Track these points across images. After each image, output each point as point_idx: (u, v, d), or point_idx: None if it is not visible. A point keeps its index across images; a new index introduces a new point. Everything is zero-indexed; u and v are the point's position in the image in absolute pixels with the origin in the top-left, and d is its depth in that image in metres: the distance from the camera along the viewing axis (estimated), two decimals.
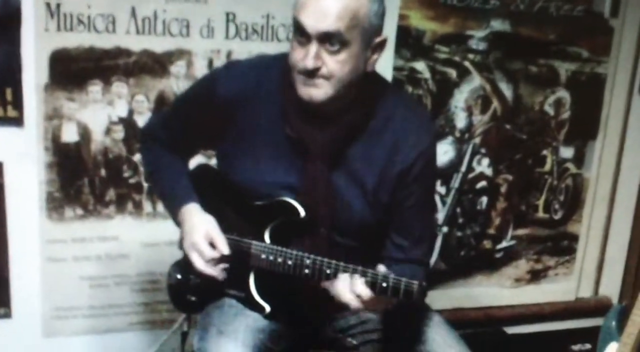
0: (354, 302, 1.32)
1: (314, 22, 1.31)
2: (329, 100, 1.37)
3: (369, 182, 1.46)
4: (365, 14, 1.33)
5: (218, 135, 1.51)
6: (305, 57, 1.34)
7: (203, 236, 1.46)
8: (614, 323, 1.99)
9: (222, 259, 1.46)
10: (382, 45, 1.41)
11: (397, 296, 1.28)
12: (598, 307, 2.59)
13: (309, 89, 1.36)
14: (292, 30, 1.38)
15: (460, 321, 2.24)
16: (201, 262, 1.47)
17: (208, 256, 1.46)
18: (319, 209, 1.45)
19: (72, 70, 1.91)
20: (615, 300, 2.72)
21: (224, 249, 1.45)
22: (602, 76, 2.50)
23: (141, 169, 2.01)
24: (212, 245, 1.46)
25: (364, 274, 1.32)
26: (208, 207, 1.53)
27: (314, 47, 1.33)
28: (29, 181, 1.96)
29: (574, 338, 2.56)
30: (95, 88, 1.95)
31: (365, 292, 1.31)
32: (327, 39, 1.33)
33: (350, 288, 1.32)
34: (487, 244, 2.54)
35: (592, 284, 2.72)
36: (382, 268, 1.32)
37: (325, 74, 1.35)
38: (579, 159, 2.57)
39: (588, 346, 2.49)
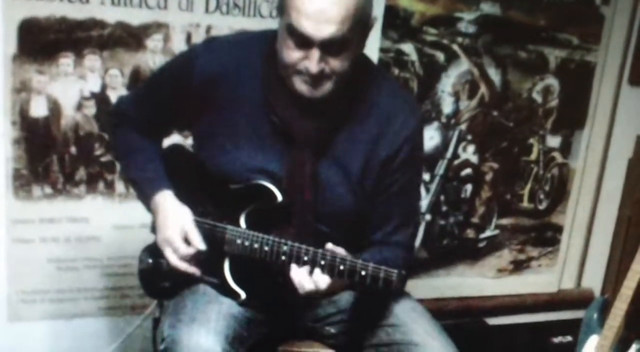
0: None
1: (316, 31, 1.28)
2: (330, 94, 1.36)
3: (353, 167, 1.44)
4: (361, 6, 1.31)
5: (194, 116, 1.47)
6: (307, 60, 1.31)
7: (177, 231, 1.44)
8: (595, 316, 2.01)
9: (197, 254, 1.44)
10: (372, 26, 1.40)
11: (376, 284, 1.27)
12: (580, 300, 2.60)
13: (311, 89, 1.35)
14: (284, 32, 1.33)
15: (441, 311, 2.24)
16: (175, 259, 1.45)
17: (182, 253, 1.44)
18: (302, 197, 1.42)
19: (42, 41, 1.87)
20: (597, 292, 2.73)
21: (199, 245, 1.43)
22: (592, 64, 2.49)
23: None
24: (187, 240, 1.43)
25: (342, 262, 1.30)
26: (181, 191, 1.49)
27: (317, 52, 1.30)
28: None
29: (555, 330, 2.58)
30: (66, 61, 1.90)
31: (322, 280, 1.31)
32: (330, 42, 1.30)
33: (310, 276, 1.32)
34: (470, 233, 2.53)
35: (575, 276, 2.73)
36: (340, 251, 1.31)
37: (328, 73, 1.33)
38: (566, 149, 2.57)
39: (569, 338, 2.49)
